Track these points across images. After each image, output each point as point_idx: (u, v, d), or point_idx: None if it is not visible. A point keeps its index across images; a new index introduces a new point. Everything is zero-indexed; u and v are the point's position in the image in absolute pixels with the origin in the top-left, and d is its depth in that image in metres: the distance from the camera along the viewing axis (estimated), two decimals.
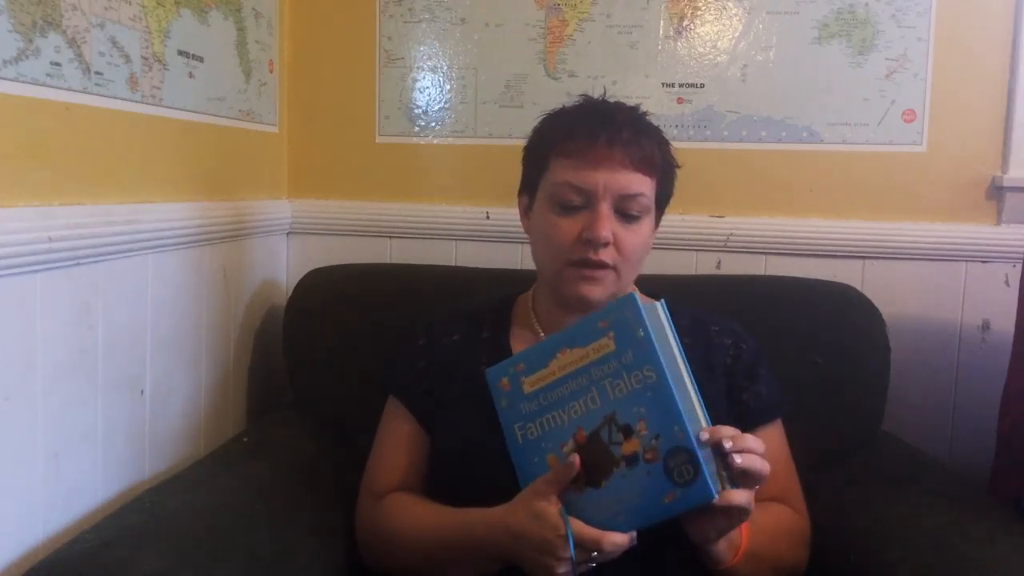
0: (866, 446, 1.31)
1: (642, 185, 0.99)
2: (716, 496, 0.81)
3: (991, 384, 1.31)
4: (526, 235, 1.09)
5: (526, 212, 1.09)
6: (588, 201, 0.98)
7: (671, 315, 0.91)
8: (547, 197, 1.02)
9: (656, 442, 0.83)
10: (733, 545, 0.90)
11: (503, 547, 0.89)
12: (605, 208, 0.98)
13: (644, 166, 0.99)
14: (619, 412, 0.86)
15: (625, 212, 0.99)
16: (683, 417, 0.83)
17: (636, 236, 1.00)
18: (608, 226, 0.97)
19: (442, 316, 1.15)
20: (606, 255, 0.98)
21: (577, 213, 0.99)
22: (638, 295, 0.90)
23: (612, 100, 1.06)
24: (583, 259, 0.98)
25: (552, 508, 0.85)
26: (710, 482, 0.81)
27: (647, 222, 1.02)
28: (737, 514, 0.83)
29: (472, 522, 0.93)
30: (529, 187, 1.08)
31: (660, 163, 1.02)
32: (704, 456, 0.82)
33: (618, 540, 0.83)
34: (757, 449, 0.83)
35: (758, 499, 0.87)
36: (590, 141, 0.98)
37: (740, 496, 0.82)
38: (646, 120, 1.04)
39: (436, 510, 1.00)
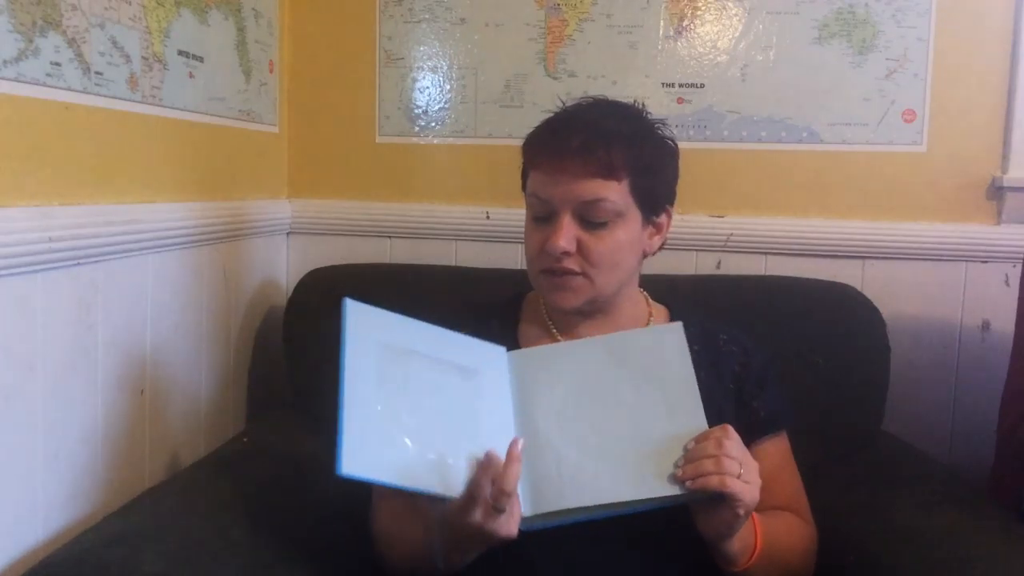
0: (866, 446, 1.31)
1: (603, 190, 0.97)
2: (342, 472, 0.79)
3: (991, 384, 1.31)
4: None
5: None
6: (551, 212, 0.99)
7: (684, 324, 0.94)
8: (526, 206, 1.05)
9: None
10: (748, 547, 0.91)
11: (447, 551, 0.88)
12: (566, 219, 0.98)
13: (602, 172, 0.97)
14: None
15: (589, 220, 0.98)
16: (340, 397, 0.84)
17: (603, 242, 0.98)
18: (565, 236, 0.97)
19: (453, 308, 1.15)
20: (571, 263, 0.98)
21: (545, 224, 1.00)
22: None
23: (601, 98, 1.05)
24: (550, 268, 1.00)
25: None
26: (340, 459, 0.80)
27: (620, 226, 0.99)
28: (739, 505, 0.84)
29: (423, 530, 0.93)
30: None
31: (628, 164, 0.98)
32: (352, 423, 0.82)
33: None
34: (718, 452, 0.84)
35: (765, 508, 0.88)
36: (546, 154, 1.00)
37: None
38: (612, 120, 1.01)
39: (405, 523, 0.98)
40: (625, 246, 1.01)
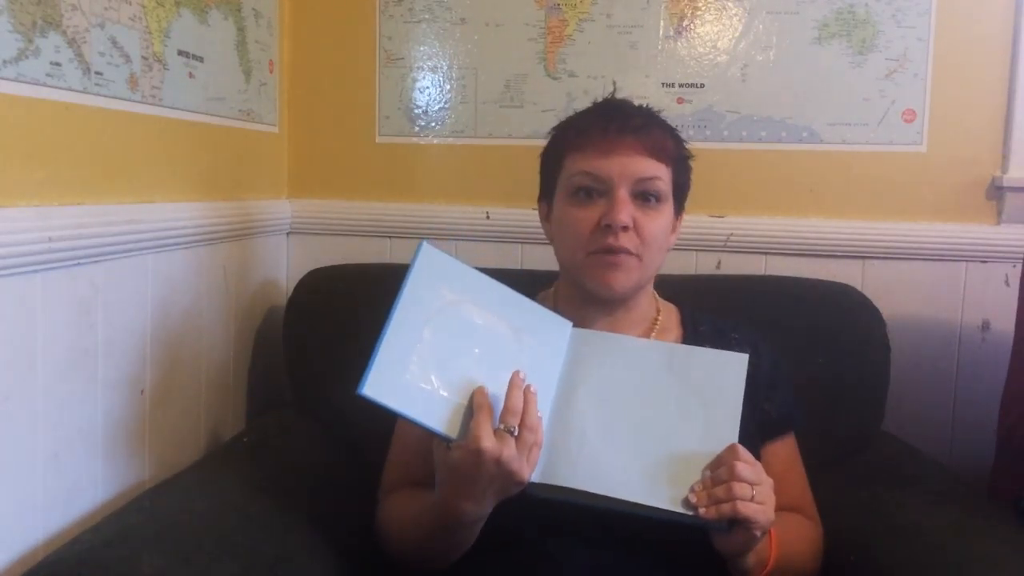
0: (866, 446, 1.31)
1: (657, 170, 1.00)
2: (361, 391, 0.80)
3: (991, 384, 1.31)
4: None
5: (547, 217, 1.10)
6: (606, 189, 0.99)
7: (695, 325, 1.02)
8: (565, 192, 1.03)
9: None
10: (762, 560, 0.91)
11: (458, 500, 0.87)
12: (623, 193, 0.99)
13: (657, 152, 1.00)
14: None
15: (643, 196, 1.00)
16: (384, 330, 0.85)
17: (655, 222, 1.00)
18: (627, 210, 0.98)
19: None
20: (627, 241, 0.98)
21: (595, 202, 1.00)
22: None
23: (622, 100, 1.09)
24: (604, 246, 0.99)
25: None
26: (364, 379, 0.81)
27: (666, 209, 1.02)
28: (754, 527, 0.84)
29: (434, 497, 0.93)
30: (547, 191, 1.09)
31: (673, 152, 1.03)
32: (388, 350, 0.84)
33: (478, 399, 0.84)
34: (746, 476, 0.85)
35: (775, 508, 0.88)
36: (602, 130, 1.00)
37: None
38: (657, 114, 1.06)
39: (418, 499, 0.99)
40: (667, 230, 1.04)
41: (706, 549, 0.90)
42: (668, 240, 1.05)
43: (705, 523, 0.85)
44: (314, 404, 1.40)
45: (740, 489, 0.83)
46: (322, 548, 1.04)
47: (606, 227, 0.98)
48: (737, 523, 0.84)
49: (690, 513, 0.85)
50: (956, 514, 1.05)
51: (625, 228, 0.98)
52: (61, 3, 0.97)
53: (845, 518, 1.11)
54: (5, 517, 0.93)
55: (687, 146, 1.08)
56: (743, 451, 0.87)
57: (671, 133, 1.05)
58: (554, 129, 1.10)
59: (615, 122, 1.00)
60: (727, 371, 0.95)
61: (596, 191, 1.00)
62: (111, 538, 0.89)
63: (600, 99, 1.10)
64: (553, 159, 1.07)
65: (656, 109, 1.08)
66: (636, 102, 1.08)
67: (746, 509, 0.83)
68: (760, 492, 0.84)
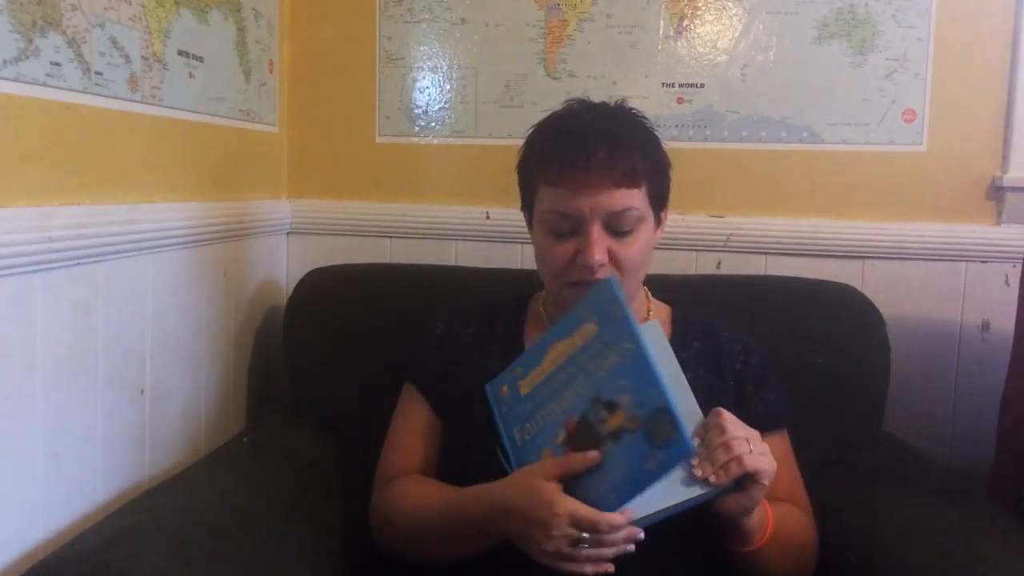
0: (866, 446, 1.31)
1: (629, 199, 0.97)
2: (693, 449, 0.82)
3: (991, 384, 1.31)
4: (526, 235, 1.10)
5: (529, 226, 1.10)
6: (577, 225, 0.98)
7: (685, 323, 1.00)
8: (539, 222, 1.03)
9: (637, 410, 0.85)
10: (762, 523, 0.93)
11: (495, 521, 0.89)
12: (595, 230, 0.97)
13: (626, 181, 0.97)
14: (603, 390, 0.88)
15: (617, 229, 0.98)
16: (659, 379, 0.84)
17: (632, 248, 0.99)
18: (600, 248, 0.97)
19: (461, 307, 1.16)
20: (604, 273, 0.98)
21: (569, 237, 0.99)
22: (617, 284, 0.92)
23: (593, 103, 1.06)
24: (581, 279, 0.99)
25: (549, 486, 0.85)
26: (687, 438, 0.82)
27: (643, 229, 1.00)
28: (762, 476, 0.85)
29: (468, 498, 0.94)
30: (526, 205, 1.08)
31: (646, 170, 1.00)
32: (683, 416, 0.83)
33: (614, 520, 0.82)
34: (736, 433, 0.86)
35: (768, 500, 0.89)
36: (568, 168, 0.97)
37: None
38: (624, 127, 1.01)
39: (437, 490, 1.00)
40: (647, 247, 1.02)
41: (699, 537, 0.91)
42: (652, 241, 1.04)
43: (719, 492, 0.85)
44: (314, 404, 1.40)
45: (738, 445, 0.85)
46: (321, 548, 1.05)
47: (581, 265, 0.98)
48: (747, 478, 0.85)
49: (705, 490, 0.85)
50: (956, 514, 1.05)
51: (600, 265, 0.97)
52: (61, 3, 0.97)
53: (845, 518, 1.11)
54: (5, 517, 0.93)
55: (670, 149, 1.05)
56: (725, 411, 0.88)
57: (642, 149, 1.00)
58: (527, 139, 1.07)
59: (580, 157, 0.96)
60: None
61: (568, 227, 0.99)
62: (111, 538, 0.89)
63: (573, 103, 1.06)
64: (526, 182, 1.06)
65: (630, 108, 1.05)
66: (632, 102, 1.06)
67: (751, 461, 0.84)
68: (754, 444, 0.86)
